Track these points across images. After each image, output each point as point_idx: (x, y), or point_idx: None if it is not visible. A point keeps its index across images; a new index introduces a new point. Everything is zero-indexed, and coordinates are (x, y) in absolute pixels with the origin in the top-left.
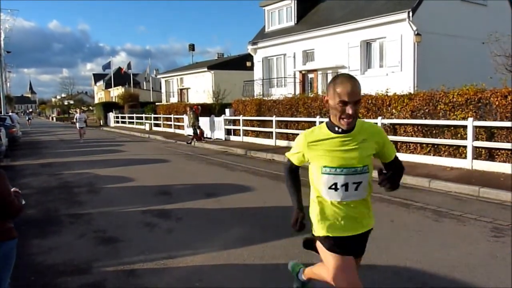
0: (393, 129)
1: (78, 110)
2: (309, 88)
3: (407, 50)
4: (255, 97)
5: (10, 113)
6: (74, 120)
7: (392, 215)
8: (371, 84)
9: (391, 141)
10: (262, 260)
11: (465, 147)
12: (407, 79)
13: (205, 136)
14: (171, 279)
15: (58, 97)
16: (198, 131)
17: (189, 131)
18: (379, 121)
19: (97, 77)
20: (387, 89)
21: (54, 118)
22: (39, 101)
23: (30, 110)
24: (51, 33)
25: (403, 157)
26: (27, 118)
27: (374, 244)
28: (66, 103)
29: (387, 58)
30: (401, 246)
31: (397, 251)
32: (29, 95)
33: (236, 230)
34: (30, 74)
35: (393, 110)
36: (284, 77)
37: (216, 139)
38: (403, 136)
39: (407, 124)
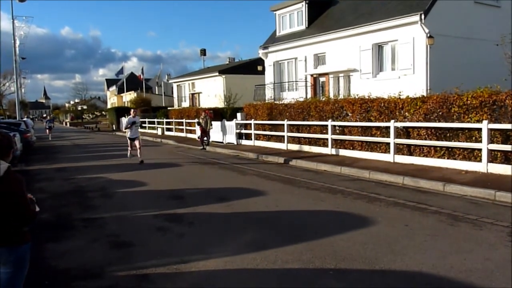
0: (406, 132)
1: (132, 112)
2: (321, 91)
3: (419, 52)
4: (267, 101)
5: (25, 118)
6: (126, 126)
7: (406, 219)
8: (384, 87)
9: (404, 144)
10: (275, 265)
11: (480, 150)
12: (419, 82)
13: (205, 139)
14: (184, 284)
15: (72, 102)
16: (204, 135)
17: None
18: (392, 124)
19: (110, 82)
20: (400, 92)
21: (68, 123)
22: (53, 106)
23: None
24: (63, 40)
25: (417, 160)
26: (47, 126)
27: (388, 248)
28: (79, 108)
29: (399, 61)
30: (415, 250)
31: (412, 255)
32: (43, 101)
33: (248, 234)
34: (44, 80)
35: (406, 113)
36: (295, 81)
37: (228, 143)
38: (417, 139)
39: (420, 127)
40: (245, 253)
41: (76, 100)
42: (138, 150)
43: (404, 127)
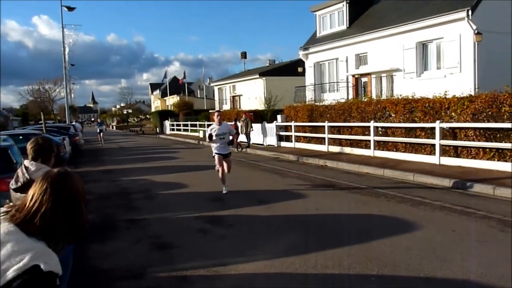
0: (453, 133)
1: (216, 117)
2: (363, 92)
3: (466, 50)
4: (307, 103)
5: (73, 122)
6: (211, 136)
7: (454, 224)
8: (428, 86)
9: (451, 146)
10: (315, 270)
11: None
12: (467, 81)
13: (244, 141)
14: (223, 286)
15: (118, 106)
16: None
17: (241, 138)
18: (437, 125)
19: (154, 87)
20: (446, 92)
21: (114, 127)
22: (101, 110)
23: (93, 119)
24: (109, 46)
25: (464, 162)
26: (98, 130)
27: (433, 254)
28: (125, 112)
29: (445, 59)
30: (463, 257)
31: (459, 262)
32: (92, 105)
33: (288, 238)
34: (92, 85)
35: (453, 114)
36: (337, 82)
37: (268, 145)
38: (464, 140)
39: (468, 128)
40: (284, 256)
41: (122, 104)
42: (224, 172)
43: (450, 128)
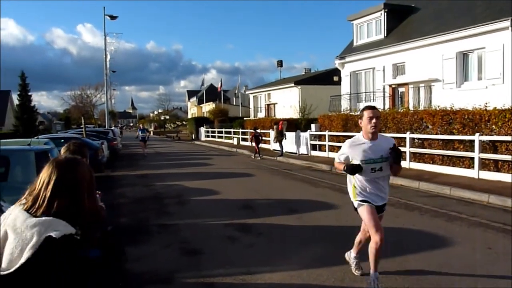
0: (493, 146)
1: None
2: (400, 102)
3: (510, 60)
4: (342, 112)
5: (112, 127)
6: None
7: (490, 241)
8: (468, 98)
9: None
10: (343, 283)
11: None
12: (510, 92)
13: (278, 149)
14: None
15: (156, 112)
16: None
17: (275, 146)
18: (477, 137)
19: (191, 94)
20: (486, 103)
21: (152, 132)
22: (139, 116)
23: (131, 124)
24: (148, 54)
25: (505, 177)
26: (139, 137)
27: (467, 271)
28: (162, 118)
29: (487, 69)
30: (500, 278)
31: (494, 282)
32: (131, 111)
33: (316, 249)
34: (131, 91)
35: (493, 126)
36: (373, 92)
37: (301, 154)
38: (505, 154)
39: (509, 142)
40: (312, 268)
41: (160, 110)
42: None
43: (490, 141)
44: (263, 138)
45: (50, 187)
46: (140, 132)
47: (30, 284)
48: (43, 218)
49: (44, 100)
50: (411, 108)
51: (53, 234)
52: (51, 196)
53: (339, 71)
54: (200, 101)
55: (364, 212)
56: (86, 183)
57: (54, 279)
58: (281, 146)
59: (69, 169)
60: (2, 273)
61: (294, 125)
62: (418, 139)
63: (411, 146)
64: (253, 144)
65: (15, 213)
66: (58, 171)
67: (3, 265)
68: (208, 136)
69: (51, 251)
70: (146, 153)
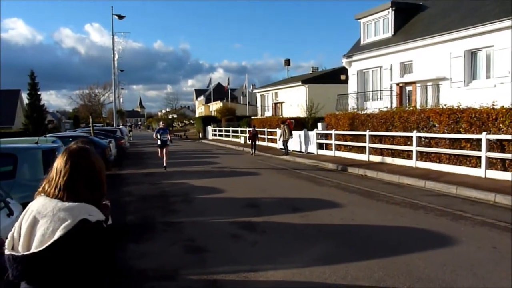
0: (501, 145)
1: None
2: (407, 101)
3: None
4: (349, 111)
5: (120, 126)
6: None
7: (495, 241)
8: (476, 96)
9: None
10: (344, 281)
11: None
12: None
13: (282, 148)
14: None
15: (164, 111)
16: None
17: (281, 145)
18: (484, 136)
19: (198, 93)
20: (493, 102)
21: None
22: (147, 115)
23: (140, 123)
24: (156, 53)
25: (509, 176)
26: (158, 141)
27: (470, 271)
28: (170, 116)
29: (495, 68)
30: (502, 276)
31: (497, 281)
32: (139, 110)
33: (320, 247)
34: (139, 90)
35: (501, 125)
36: (380, 90)
37: (308, 153)
38: None
39: None
40: (314, 265)
41: (168, 109)
42: None
43: (498, 139)
44: (271, 137)
45: (66, 172)
46: (159, 133)
47: (59, 263)
48: (76, 203)
49: (53, 99)
50: (418, 107)
51: (88, 217)
52: (71, 183)
53: (346, 69)
54: (207, 100)
55: None
56: (100, 168)
57: (87, 262)
58: (286, 145)
59: (83, 155)
60: (32, 251)
61: (301, 124)
62: (425, 138)
63: (417, 145)
64: (250, 141)
65: (40, 202)
66: (73, 158)
67: (34, 245)
68: (215, 135)
69: (86, 233)
70: (166, 164)
